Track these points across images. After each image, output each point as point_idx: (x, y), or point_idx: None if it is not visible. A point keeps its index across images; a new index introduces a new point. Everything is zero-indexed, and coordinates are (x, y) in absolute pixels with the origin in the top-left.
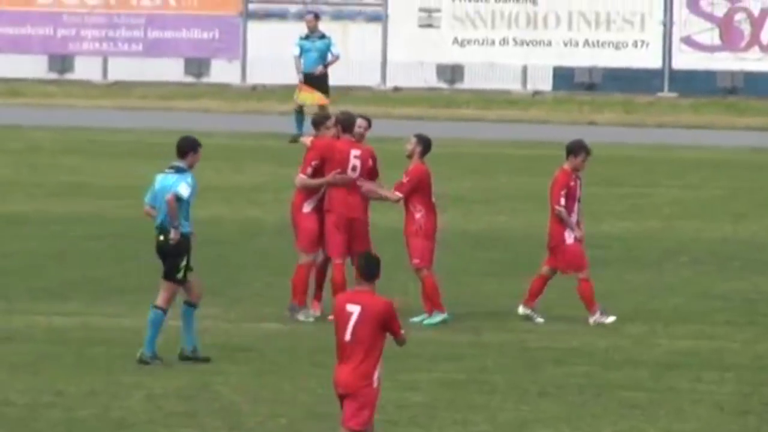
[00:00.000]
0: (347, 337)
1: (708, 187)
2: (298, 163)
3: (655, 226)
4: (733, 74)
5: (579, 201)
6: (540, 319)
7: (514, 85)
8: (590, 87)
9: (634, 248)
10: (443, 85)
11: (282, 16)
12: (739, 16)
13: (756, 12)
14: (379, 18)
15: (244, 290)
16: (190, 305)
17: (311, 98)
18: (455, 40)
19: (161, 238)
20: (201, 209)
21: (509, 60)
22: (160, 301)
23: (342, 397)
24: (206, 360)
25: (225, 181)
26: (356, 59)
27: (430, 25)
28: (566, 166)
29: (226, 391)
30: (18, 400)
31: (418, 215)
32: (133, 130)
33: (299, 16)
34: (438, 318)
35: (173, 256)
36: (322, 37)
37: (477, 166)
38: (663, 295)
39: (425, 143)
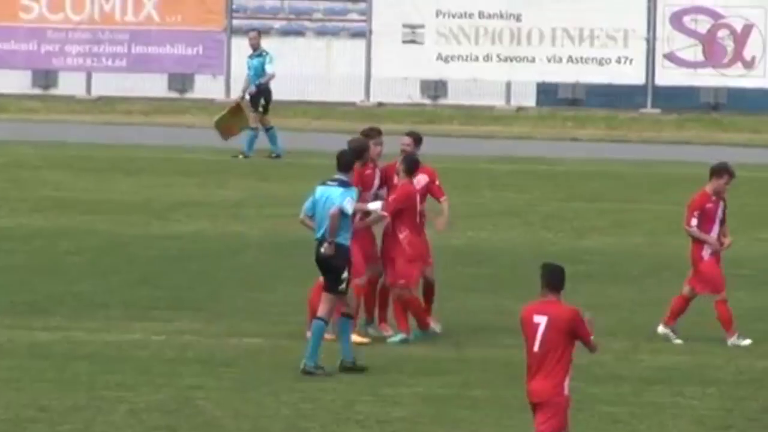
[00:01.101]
0: (536, 347)
1: None
2: (280, 179)
3: (638, 242)
4: (716, 90)
5: (723, 223)
6: (678, 340)
7: (498, 101)
8: (573, 103)
9: (616, 264)
10: (427, 101)
11: (266, 32)
12: (722, 33)
13: (739, 28)
14: (362, 34)
15: (226, 305)
16: (348, 316)
17: (221, 121)
18: (439, 56)
19: (322, 250)
20: (184, 224)
21: (493, 76)
22: (321, 312)
23: (535, 407)
24: (363, 370)
25: (209, 196)
26: (340, 75)
27: (413, 41)
28: (707, 188)
29: (209, 405)
30: (1, 415)
31: (401, 236)
32: (116, 146)
33: (283, 32)
34: (399, 337)
35: (336, 269)
36: (260, 54)
37: (460, 182)
38: (645, 311)
39: (407, 162)
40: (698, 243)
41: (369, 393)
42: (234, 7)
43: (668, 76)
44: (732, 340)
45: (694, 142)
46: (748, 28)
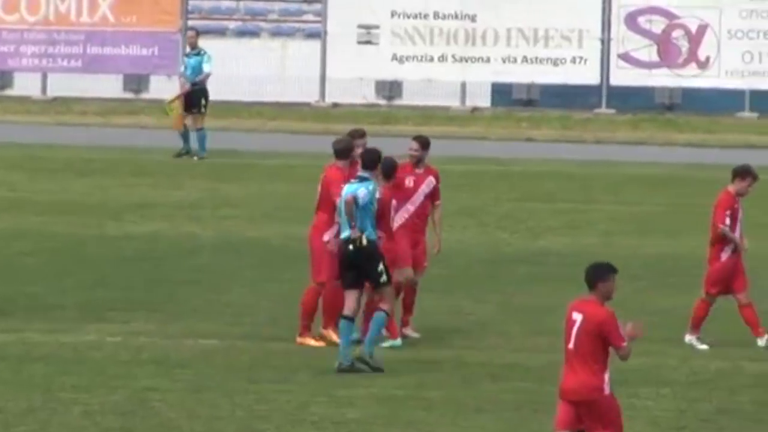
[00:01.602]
0: (570, 344)
1: (645, 203)
2: (235, 179)
3: (593, 242)
4: (670, 90)
5: (740, 223)
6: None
7: (453, 102)
8: (528, 103)
9: (571, 264)
10: (382, 102)
11: (221, 32)
12: (676, 33)
13: (693, 29)
14: (318, 35)
15: (181, 306)
16: (350, 319)
17: (173, 116)
18: (394, 57)
19: (350, 248)
20: (139, 225)
21: (448, 76)
22: (384, 306)
23: (566, 402)
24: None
25: (163, 197)
26: (295, 76)
27: (369, 42)
28: (730, 188)
29: (164, 407)
30: None
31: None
32: (71, 146)
33: (238, 33)
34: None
35: (369, 264)
36: (198, 53)
37: None
38: None
39: (384, 168)
40: (719, 244)
41: (324, 394)
42: (189, 8)
43: (623, 76)
44: (691, 339)
45: (648, 143)
46: (702, 29)
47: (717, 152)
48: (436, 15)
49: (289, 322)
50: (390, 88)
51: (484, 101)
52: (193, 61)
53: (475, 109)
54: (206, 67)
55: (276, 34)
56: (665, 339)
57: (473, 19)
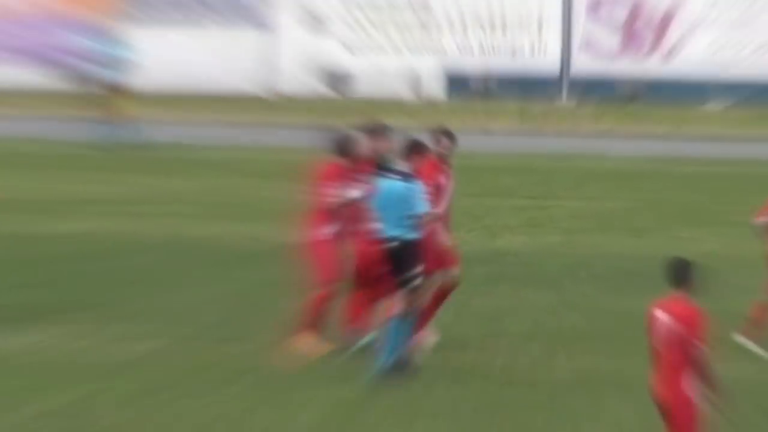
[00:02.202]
0: (657, 344)
1: (608, 199)
2: (179, 174)
3: (553, 241)
4: (634, 81)
5: None
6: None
7: (407, 93)
8: (485, 94)
9: (531, 264)
10: (333, 93)
11: (168, 22)
12: (640, 21)
13: (657, 18)
14: (267, 25)
15: (125, 307)
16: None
17: (111, 109)
18: (346, 47)
19: (396, 244)
20: (81, 222)
21: (401, 67)
22: (397, 311)
23: (660, 407)
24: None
25: (106, 193)
26: (244, 66)
27: (320, 32)
28: None
29: (107, 411)
30: None
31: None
32: (6, 139)
33: (186, 23)
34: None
35: (409, 261)
36: (117, 42)
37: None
38: (562, 313)
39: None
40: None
41: (276, 397)
42: None
43: (584, 66)
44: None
45: (611, 135)
46: (666, 19)
47: (681, 145)
48: (389, 4)
49: (238, 323)
50: (341, 79)
51: (439, 92)
52: (113, 50)
53: (430, 101)
54: (128, 55)
55: (224, 23)
56: (629, 340)
57: (427, 7)
